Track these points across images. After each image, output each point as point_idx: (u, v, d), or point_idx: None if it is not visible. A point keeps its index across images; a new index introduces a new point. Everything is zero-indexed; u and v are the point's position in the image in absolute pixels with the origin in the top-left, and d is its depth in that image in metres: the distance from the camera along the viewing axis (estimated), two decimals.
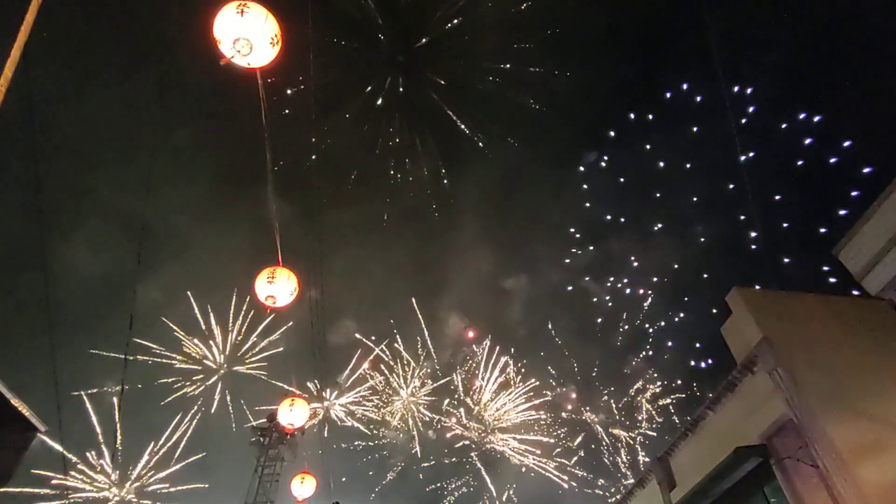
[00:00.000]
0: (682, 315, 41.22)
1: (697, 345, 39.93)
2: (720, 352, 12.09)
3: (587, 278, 45.61)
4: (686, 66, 39.09)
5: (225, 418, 38.24)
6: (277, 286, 8.41)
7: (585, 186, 44.51)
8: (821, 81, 33.88)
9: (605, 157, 43.80)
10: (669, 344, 42.10)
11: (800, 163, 35.25)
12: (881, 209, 10.80)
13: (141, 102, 33.41)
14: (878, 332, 10.13)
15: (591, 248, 45.28)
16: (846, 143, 33.49)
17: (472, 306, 47.04)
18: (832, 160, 33.93)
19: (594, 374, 44.99)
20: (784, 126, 35.80)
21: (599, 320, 44.80)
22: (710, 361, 38.91)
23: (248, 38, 5.66)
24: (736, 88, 37.23)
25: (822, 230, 32.89)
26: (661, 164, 41.48)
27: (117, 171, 35.44)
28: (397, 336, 42.73)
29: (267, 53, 5.88)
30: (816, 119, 34.78)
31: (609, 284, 44.96)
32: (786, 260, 35.64)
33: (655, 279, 42.86)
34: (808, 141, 35.02)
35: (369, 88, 41.20)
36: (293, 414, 12.57)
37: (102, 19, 32.95)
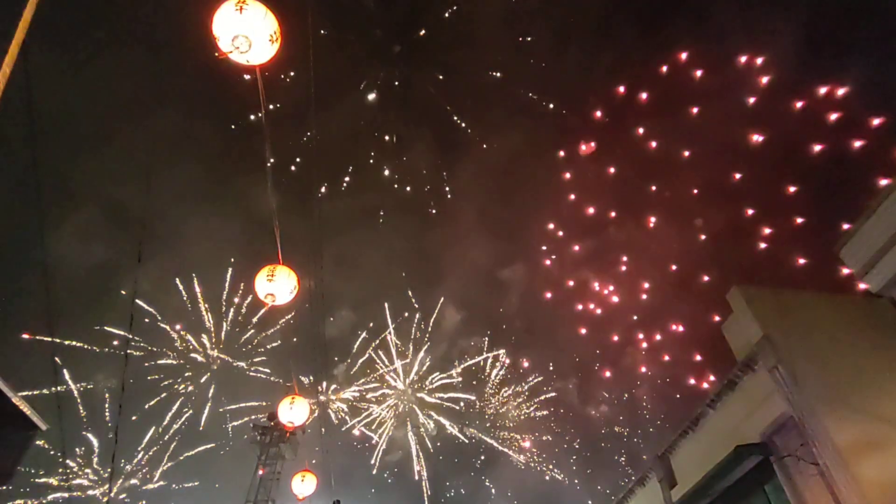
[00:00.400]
0: (681, 313, 40.97)
1: (697, 343, 39.69)
2: (721, 350, 12.00)
3: (585, 272, 45.48)
4: (687, 36, 35.25)
5: (223, 415, 38.31)
6: (277, 284, 8.40)
7: (585, 178, 44.07)
8: (845, 45, 28.95)
9: (605, 149, 42.93)
10: (669, 342, 41.99)
11: (818, 148, 30.61)
12: (883, 206, 10.72)
13: (138, 97, 33.48)
14: (879, 330, 10.10)
15: (590, 241, 44.98)
16: (876, 122, 28.84)
17: (470, 300, 47.09)
18: (858, 143, 29.30)
19: (595, 370, 45.02)
20: (800, 104, 31.36)
21: (592, 324, 44.56)
22: (710, 359, 38.65)
23: (247, 35, 5.62)
24: (743, 59, 33.22)
25: (846, 226, 28.01)
26: (666, 154, 39.28)
27: (113, 165, 35.51)
28: (394, 331, 42.81)
29: (266, 50, 5.84)
30: (840, 93, 30.11)
31: (608, 281, 44.83)
32: (801, 261, 31.86)
33: (655, 277, 42.64)
34: (832, 117, 29.98)
35: (365, 81, 41.28)
36: (293, 412, 12.53)
37: (99, 15, 32.98)
